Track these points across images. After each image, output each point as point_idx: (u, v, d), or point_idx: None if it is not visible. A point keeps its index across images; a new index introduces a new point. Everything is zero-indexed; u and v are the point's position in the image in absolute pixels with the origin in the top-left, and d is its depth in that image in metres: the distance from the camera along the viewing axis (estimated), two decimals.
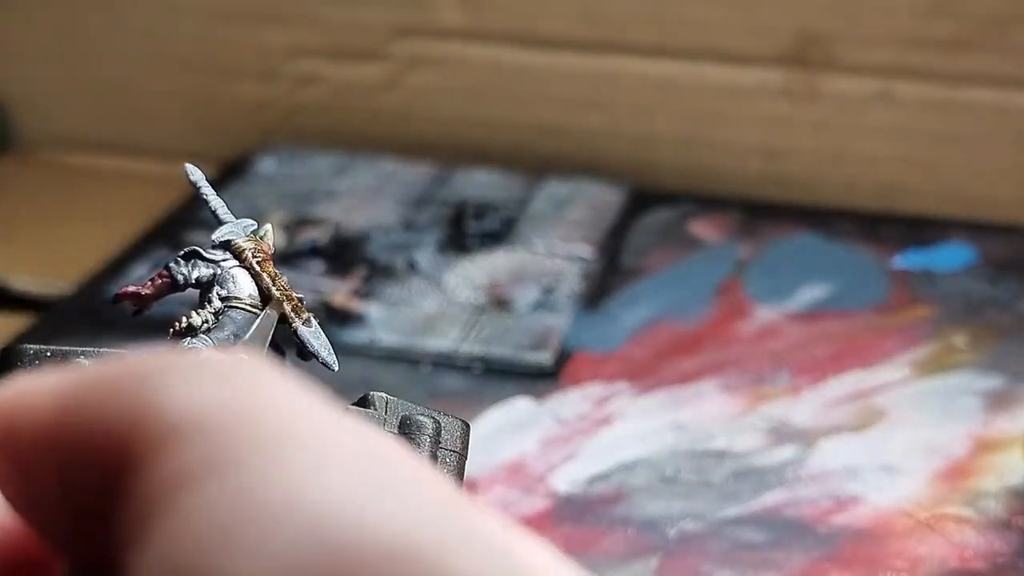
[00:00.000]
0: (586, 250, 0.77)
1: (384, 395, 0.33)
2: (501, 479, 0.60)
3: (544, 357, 0.68)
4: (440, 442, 0.33)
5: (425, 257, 0.77)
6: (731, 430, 0.62)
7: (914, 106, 0.82)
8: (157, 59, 0.92)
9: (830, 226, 0.80)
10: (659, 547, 0.56)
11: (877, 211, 0.82)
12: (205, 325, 0.34)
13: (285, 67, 0.90)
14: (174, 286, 0.34)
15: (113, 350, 0.34)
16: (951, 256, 0.77)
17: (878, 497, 0.58)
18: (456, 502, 0.19)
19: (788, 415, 0.63)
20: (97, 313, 0.72)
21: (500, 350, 0.68)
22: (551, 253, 0.77)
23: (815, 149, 0.84)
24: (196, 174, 0.37)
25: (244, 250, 0.34)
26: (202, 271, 0.34)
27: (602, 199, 0.83)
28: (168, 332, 0.34)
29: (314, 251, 0.78)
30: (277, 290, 0.34)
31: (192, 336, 0.34)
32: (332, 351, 0.35)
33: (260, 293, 0.34)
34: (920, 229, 0.80)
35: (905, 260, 0.77)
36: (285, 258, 0.77)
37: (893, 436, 0.62)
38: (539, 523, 0.57)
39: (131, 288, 0.34)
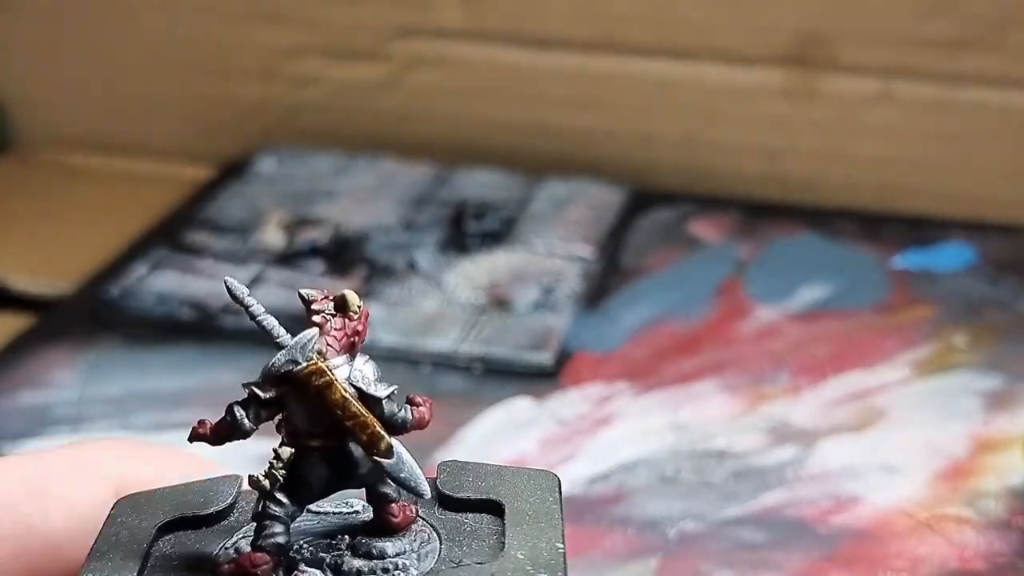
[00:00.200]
0: (586, 250, 0.77)
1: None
2: None
3: (544, 357, 0.68)
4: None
5: (425, 257, 0.77)
6: (731, 430, 0.62)
7: (914, 106, 0.82)
8: (157, 59, 0.92)
9: (830, 226, 0.80)
10: (659, 547, 0.56)
11: (877, 211, 0.82)
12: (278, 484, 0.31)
13: (285, 67, 0.90)
14: (237, 430, 0.31)
15: None
16: (951, 256, 0.77)
17: (878, 497, 0.58)
18: None
19: (788, 415, 0.63)
20: (97, 313, 0.72)
21: (500, 350, 0.68)
22: (551, 253, 0.77)
23: (815, 149, 0.84)
24: (239, 289, 0.31)
25: (306, 386, 0.30)
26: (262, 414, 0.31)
27: (602, 199, 0.83)
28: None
29: (314, 251, 0.78)
30: (348, 420, 0.30)
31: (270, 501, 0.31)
32: (420, 476, 0.31)
33: (326, 424, 0.31)
34: (920, 229, 0.80)
35: (905, 260, 0.77)
36: (285, 258, 0.77)
37: (893, 436, 0.62)
38: None
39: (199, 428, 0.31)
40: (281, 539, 0.31)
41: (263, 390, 0.31)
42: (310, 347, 0.31)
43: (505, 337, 0.69)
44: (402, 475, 0.31)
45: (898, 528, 0.56)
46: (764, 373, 0.67)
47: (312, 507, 0.33)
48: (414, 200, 0.83)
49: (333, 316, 0.32)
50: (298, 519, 0.32)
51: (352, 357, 0.32)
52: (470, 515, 0.33)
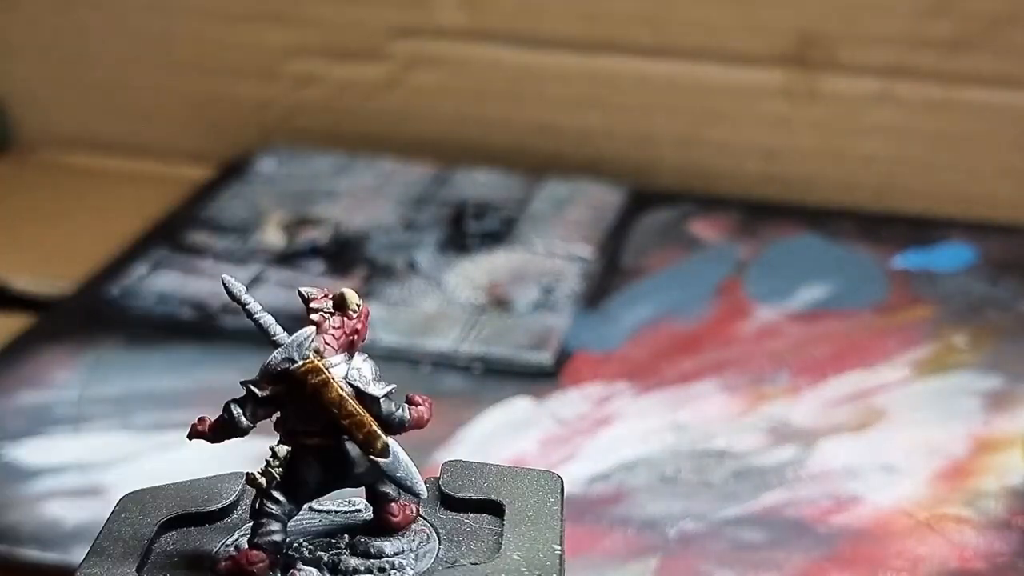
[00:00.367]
0: (586, 250, 0.77)
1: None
2: None
3: (544, 357, 0.68)
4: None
5: (425, 257, 0.77)
6: (731, 430, 0.62)
7: (913, 106, 0.82)
8: (157, 59, 0.92)
9: (830, 226, 0.80)
10: (659, 547, 0.56)
11: (877, 211, 0.82)
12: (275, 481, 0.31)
13: (285, 67, 0.90)
14: (234, 428, 0.31)
15: None
16: (951, 256, 0.77)
17: (878, 497, 0.58)
18: None
19: (788, 415, 0.63)
20: (97, 313, 0.72)
21: (500, 350, 0.68)
22: (551, 253, 0.77)
23: (815, 149, 0.84)
24: (237, 287, 0.32)
25: (303, 384, 0.31)
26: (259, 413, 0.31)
27: (602, 199, 0.83)
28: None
29: (314, 251, 0.78)
30: (344, 419, 0.31)
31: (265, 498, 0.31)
32: (417, 476, 0.31)
33: (323, 423, 0.31)
34: (920, 229, 0.80)
35: (905, 260, 0.77)
36: (285, 258, 0.77)
37: (893, 436, 0.62)
38: None
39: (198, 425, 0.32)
40: (278, 537, 0.31)
41: (260, 388, 0.31)
42: (307, 345, 0.31)
43: (505, 337, 0.69)
44: (398, 474, 0.31)
45: (898, 528, 0.56)
46: (764, 373, 0.67)
47: (314, 505, 0.33)
48: (414, 200, 0.83)
49: (332, 314, 0.32)
50: (300, 517, 0.32)
51: (351, 356, 0.32)
52: (471, 515, 0.33)
